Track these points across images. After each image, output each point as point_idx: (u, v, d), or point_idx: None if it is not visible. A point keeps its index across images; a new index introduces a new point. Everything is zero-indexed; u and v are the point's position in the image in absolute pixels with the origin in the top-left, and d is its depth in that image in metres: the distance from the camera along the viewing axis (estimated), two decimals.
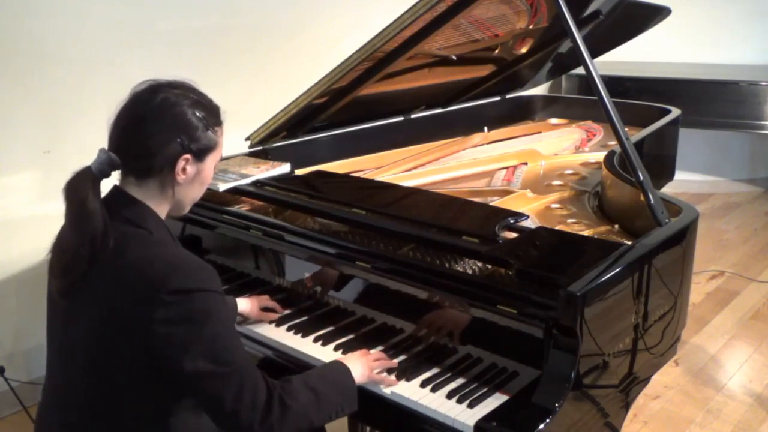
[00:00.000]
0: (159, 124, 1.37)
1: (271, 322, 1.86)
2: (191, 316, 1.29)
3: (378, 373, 1.59)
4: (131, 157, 1.38)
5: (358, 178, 2.38)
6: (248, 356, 1.37)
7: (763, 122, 4.62)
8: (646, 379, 1.78)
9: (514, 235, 1.76)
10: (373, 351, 1.67)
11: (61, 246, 1.38)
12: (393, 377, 1.60)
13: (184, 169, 1.40)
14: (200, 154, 1.41)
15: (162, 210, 1.44)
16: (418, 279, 1.65)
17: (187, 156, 1.39)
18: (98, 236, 1.32)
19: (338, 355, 1.68)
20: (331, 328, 1.81)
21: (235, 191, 2.14)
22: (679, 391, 2.96)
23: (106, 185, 1.43)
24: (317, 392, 1.42)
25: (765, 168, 5.74)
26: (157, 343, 1.28)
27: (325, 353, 1.71)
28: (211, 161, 1.45)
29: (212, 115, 1.44)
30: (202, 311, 1.30)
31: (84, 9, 2.85)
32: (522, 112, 3.51)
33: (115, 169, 1.39)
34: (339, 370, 1.52)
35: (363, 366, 1.56)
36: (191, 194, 1.47)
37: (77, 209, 1.33)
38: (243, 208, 2.10)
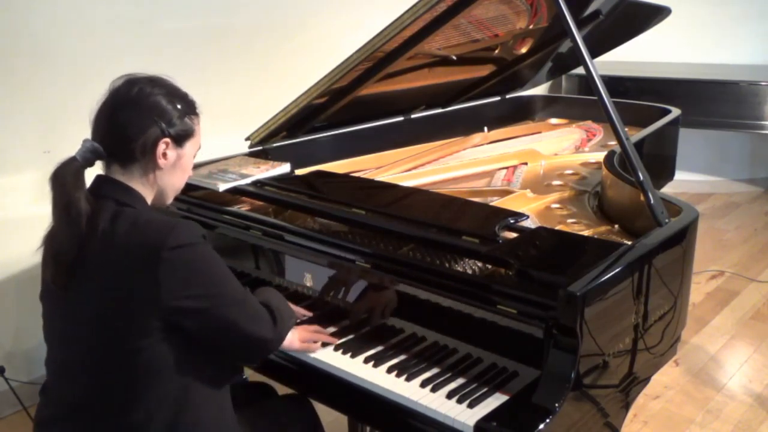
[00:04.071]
0: (137, 111, 1.44)
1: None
2: (193, 268, 1.38)
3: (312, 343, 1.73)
4: (113, 144, 1.44)
5: (358, 178, 2.38)
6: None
7: (763, 122, 4.62)
8: (646, 379, 1.78)
9: (514, 235, 1.76)
10: (370, 350, 1.68)
11: (50, 234, 1.43)
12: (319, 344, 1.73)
13: (164, 154, 1.47)
14: (179, 140, 1.48)
15: (147, 196, 1.49)
16: (418, 279, 1.65)
17: (167, 140, 1.46)
18: (83, 219, 1.37)
19: (339, 355, 1.69)
20: (332, 329, 1.81)
21: (235, 191, 2.14)
22: (679, 391, 2.96)
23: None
24: (283, 308, 1.61)
25: (765, 168, 5.74)
26: (167, 299, 1.34)
27: (326, 354, 1.71)
28: (190, 148, 1.52)
29: (187, 104, 1.52)
30: (201, 261, 1.40)
31: (84, 9, 2.85)
32: (522, 112, 3.51)
33: (99, 158, 1.45)
34: (277, 296, 1.67)
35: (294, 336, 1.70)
36: (173, 181, 1.53)
37: (61, 195, 1.39)
38: (243, 208, 2.10)
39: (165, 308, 1.35)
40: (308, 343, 1.71)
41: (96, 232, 1.37)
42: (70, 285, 1.40)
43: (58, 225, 1.40)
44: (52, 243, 1.42)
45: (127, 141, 1.43)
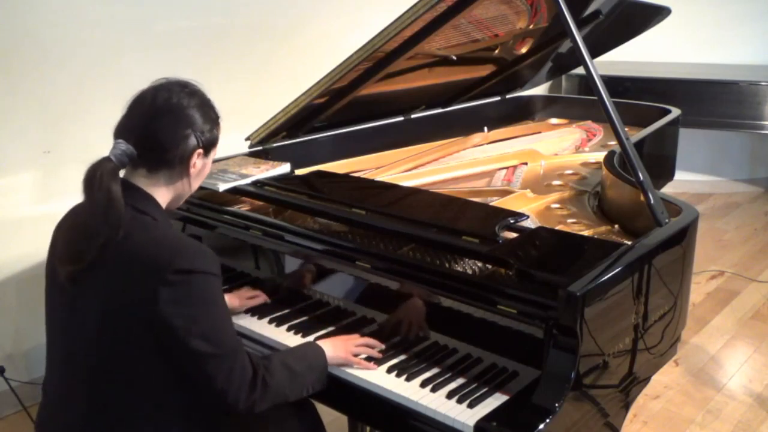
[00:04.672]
0: (176, 121, 1.47)
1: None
2: (193, 297, 1.36)
3: (358, 357, 1.66)
4: (148, 150, 1.46)
5: (358, 178, 2.38)
6: (238, 337, 1.45)
7: (763, 122, 4.62)
8: (646, 379, 1.78)
9: (514, 235, 1.76)
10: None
11: (77, 230, 1.42)
12: (372, 364, 1.65)
13: (194, 163, 1.50)
14: (207, 149, 1.53)
15: (164, 201, 1.52)
16: (418, 279, 1.65)
17: (200, 150, 1.50)
18: (117, 224, 1.38)
19: None
20: (331, 329, 1.81)
21: (235, 191, 2.14)
22: (679, 391, 2.96)
23: None
24: (293, 371, 1.53)
25: (765, 168, 5.74)
26: (160, 322, 1.34)
27: None
28: (212, 157, 1.57)
29: (215, 114, 1.55)
30: (203, 293, 1.38)
31: (84, 9, 2.85)
32: (522, 112, 3.51)
33: (131, 161, 1.46)
34: (314, 350, 1.62)
35: (338, 348, 1.64)
36: (193, 187, 1.56)
37: (104, 197, 1.38)
38: (243, 208, 2.10)
39: (159, 328, 1.35)
40: (359, 359, 1.65)
41: (117, 237, 1.38)
42: (79, 281, 1.41)
43: (90, 222, 1.39)
44: (78, 237, 1.41)
45: (163, 149, 1.45)
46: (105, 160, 1.42)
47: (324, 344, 1.64)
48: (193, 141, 1.47)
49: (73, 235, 1.43)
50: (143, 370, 1.39)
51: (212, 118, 1.53)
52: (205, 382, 1.39)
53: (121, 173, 1.48)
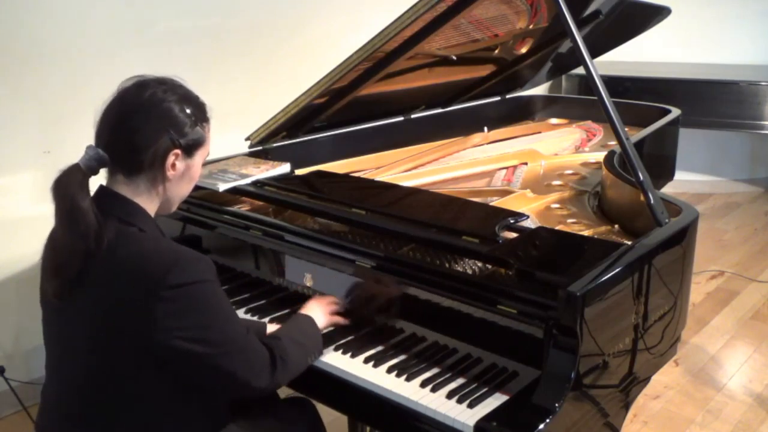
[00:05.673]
0: (148, 119, 1.37)
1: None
2: (191, 309, 1.32)
3: (334, 317, 1.76)
4: (120, 152, 1.37)
5: (358, 178, 2.38)
6: (244, 326, 1.44)
7: (763, 122, 4.62)
8: (646, 379, 1.78)
9: (514, 235, 1.76)
10: (370, 350, 1.69)
11: (53, 245, 1.37)
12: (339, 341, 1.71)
13: (173, 165, 1.41)
14: (189, 150, 1.42)
15: (151, 207, 1.44)
16: (418, 279, 1.65)
17: (177, 151, 1.40)
18: (91, 233, 1.31)
19: (339, 355, 1.69)
20: (330, 329, 1.81)
21: (235, 191, 2.14)
22: (679, 391, 2.96)
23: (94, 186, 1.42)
24: (300, 344, 1.57)
25: (765, 168, 5.74)
26: (161, 337, 1.30)
27: (326, 354, 1.70)
28: (199, 157, 1.46)
29: (200, 111, 1.45)
30: (201, 303, 1.34)
31: (84, 9, 2.85)
32: (522, 112, 3.51)
33: (103, 166, 1.38)
34: (308, 322, 1.66)
35: (318, 313, 1.70)
36: (180, 191, 1.47)
37: (68, 207, 1.32)
38: (243, 208, 2.10)
39: (158, 345, 1.31)
40: (335, 317, 1.75)
41: (100, 249, 1.32)
42: (69, 296, 1.36)
43: (61, 235, 1.34)
44: (53, 253, 1.37)
45: (136, 151, 1.36)
46: (73, 167, 1.35)
47: (308, 312, 1.68)
48: (166, 141, 1.36)
49: (50, 248, 1.38)
50: (140, 388, 1.36)
51: (194, 115, 1.41)
52: (227, 379, 1.39)
53: (104, 181, 1.42)
